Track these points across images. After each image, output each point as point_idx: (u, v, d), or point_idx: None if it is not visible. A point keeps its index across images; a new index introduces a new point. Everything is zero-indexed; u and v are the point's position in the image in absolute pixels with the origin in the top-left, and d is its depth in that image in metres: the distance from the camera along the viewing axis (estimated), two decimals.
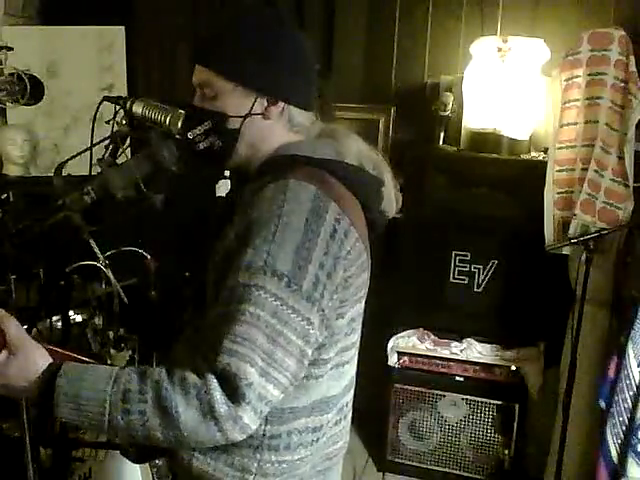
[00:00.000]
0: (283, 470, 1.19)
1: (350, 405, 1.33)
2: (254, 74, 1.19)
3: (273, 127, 1.23)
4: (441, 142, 3.08)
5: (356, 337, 1.27)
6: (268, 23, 1.22)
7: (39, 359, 1.10)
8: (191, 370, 1.04)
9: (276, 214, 1.08)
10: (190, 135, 1.23)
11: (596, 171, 2.66)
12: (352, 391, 1.33)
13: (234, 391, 1.01)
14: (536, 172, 2.81)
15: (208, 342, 1.06)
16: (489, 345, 2.95)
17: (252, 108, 1.20)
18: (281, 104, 1.22)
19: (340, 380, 1.25)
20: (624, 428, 2.37)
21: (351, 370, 1.29)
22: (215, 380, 1.01)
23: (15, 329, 1.11)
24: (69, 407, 1.05)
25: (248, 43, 1.19)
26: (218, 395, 1.01)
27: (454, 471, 3.02)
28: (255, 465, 1.17)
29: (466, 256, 2.98)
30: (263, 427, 1.14)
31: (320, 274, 1.08)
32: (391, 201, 1.31)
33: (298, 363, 1.07)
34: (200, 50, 1.24)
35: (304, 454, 1.21)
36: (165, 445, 1.09)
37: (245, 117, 1.20)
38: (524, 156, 2.95)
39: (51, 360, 1.10)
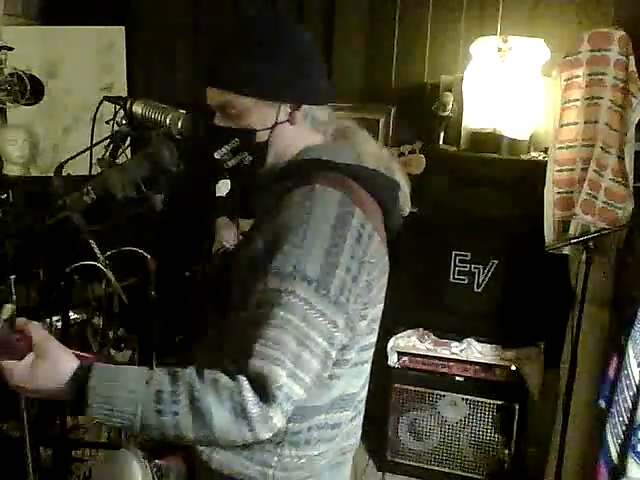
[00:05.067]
0: (302, 465, 1.23)
1: (364, 402, 1.37)
2: (272, 84, 1.20)
3: (298, 130, 1.25)
4: (441, 142, 3.08)
5: (374, 337, 1.30)
6: (271, 29, 1.23)
7: (67, 362, 1.11)
8: (221, 372, 1.07)
9: (304, 220, 1.11)
10: (217, 155, 1.25)
11: (596, 171, 2.66)
12: (367, 388, 1.36)
13: (265, 392, 1.04)
14: (536, 172, 2.81)
15: (237, 344, 1.10)
16: (489, 345, 2.95)
17: (277, 117, 1.22)
18: (304, 107, 1.24)
19: (358, 378, 1.29)
20: (624, 428, 2.37)
21: (368, 368, 1.33)
22: (247, 382, 1.05)
23: (40, 333, 1.12)
24: (102, 408, 1.07)
25: (258, 54, 1.19)
26: (250, 396, 1.04)
27: (454, 471, 3.02)
28: (275, 459, 1.21)
29: (466, 256, 2.98)
30: (285, 424, 1.17)
31: (346, 278, 1.12)
32: (406, 200, 1.34)
33: (322, 364, 1.11)
34: (213, 73, 1.23)
35: (323, 449, 1.25)
36: (194, 444, 1.13)
37: (273, 128, 1.22)
38: (524, 156, 2.95)
39: (78, 362, 1.11)
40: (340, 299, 1.11)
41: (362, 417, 1.37)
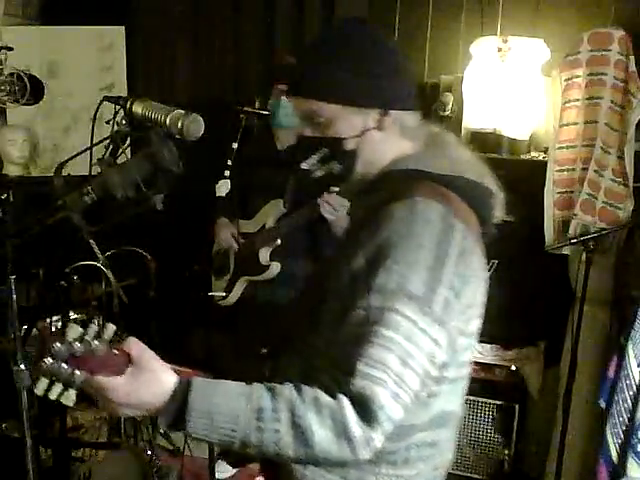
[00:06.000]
0: None
1: (459, 417, 1.30)
2: (358, 90, 1.17)
3: (387, 137, 1.21)
4: None
5: (472, 353, 1.25)
6: (354, 34, 1.20)
7: (166, 376, 1.08)
8: (321, 389, 1.05)
9: (406, 235, 1.07)
10: (305, 165, 1.22)
11: (596, 171, 2.66)
12: (462, 404, 1.31)
13: (367, 413, 1.02)
14: (536, 172, 2.81)
15: (337, 362, 1.07)
16: (489, 345, 2.95)
17: (365, 124, 1.19)
18: (392, 112, 1.20)
19: (456, 395, 1.24)
20: (624, 428, 2.37)
21: (465, 385, 1.28)
22: (348, 401, 1.03)
23: (138, 347, 1.10)
24: (202, 423, 1.05)
25: (342, 60, 1.17)
26: (352, 417, 1.02)
27: (454, 471, 3.01)
28: (373, 479, 1.16)
29: None
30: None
31: (449, 295, 1.08)
32: (499, 207, 1.30)
33: (421, 383, 1.08)
34: (297, 82, 1.21)
35: (421, 468, 1.20)
36: (292, 461, 1.11)
37: (361, 135, 1.19)
38: (524, 156, 2.95)
39: (177, 377, 1.09)
40: (443, 317, 1.07)
41: (456, 432, 1.31)
